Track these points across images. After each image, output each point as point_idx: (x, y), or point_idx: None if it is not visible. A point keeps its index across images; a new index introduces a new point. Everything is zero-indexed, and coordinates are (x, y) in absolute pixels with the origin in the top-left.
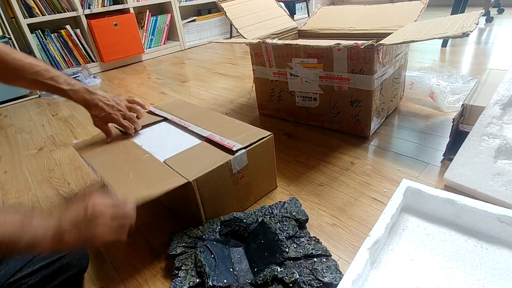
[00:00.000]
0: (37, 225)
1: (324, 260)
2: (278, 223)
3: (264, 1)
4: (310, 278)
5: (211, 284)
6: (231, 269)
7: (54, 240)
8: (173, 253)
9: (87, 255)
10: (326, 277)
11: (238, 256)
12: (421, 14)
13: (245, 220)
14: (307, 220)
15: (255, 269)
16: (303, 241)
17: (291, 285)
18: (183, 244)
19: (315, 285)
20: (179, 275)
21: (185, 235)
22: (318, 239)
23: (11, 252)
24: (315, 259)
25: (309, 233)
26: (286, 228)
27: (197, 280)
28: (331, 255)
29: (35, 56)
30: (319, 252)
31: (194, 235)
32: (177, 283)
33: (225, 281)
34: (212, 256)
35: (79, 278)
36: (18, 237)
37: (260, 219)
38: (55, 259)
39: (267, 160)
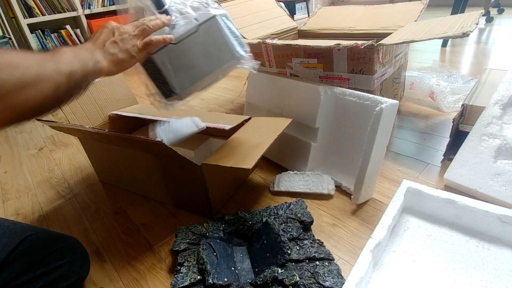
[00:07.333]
0: (86, 53)
1: (327, 264)
2: (282, 224)
3: (264, 1)
4: (311, 282)
5: (211, 282)
6: (233, 268)
7: (110, 63)
8: (176, 249)
9: (88, 262)
10: (327, 281)
11: (241, 255)
12: (421, 14)
13: (249, 220)
14: (312, 222)
15: (257, 269)
16: (307, 244)
17: (291, 287)
18: (187, 240)
19: None
20: (181, 271)
21: (189, 232)
22: (322, 242)
23: (86, 80)
24: (317, 263)
25: (313, 236)
26: (290, 230)
27: (198, 277)
28: (334, 259)
29: None
30: (322, 256)
31: (198, 232)
32: (179, 279)
33: (225, 279)
34: (215, 254)
35: (79, 285)
36: (85, 64)
37: (264, 219)
38: (56, 266)
39: None
